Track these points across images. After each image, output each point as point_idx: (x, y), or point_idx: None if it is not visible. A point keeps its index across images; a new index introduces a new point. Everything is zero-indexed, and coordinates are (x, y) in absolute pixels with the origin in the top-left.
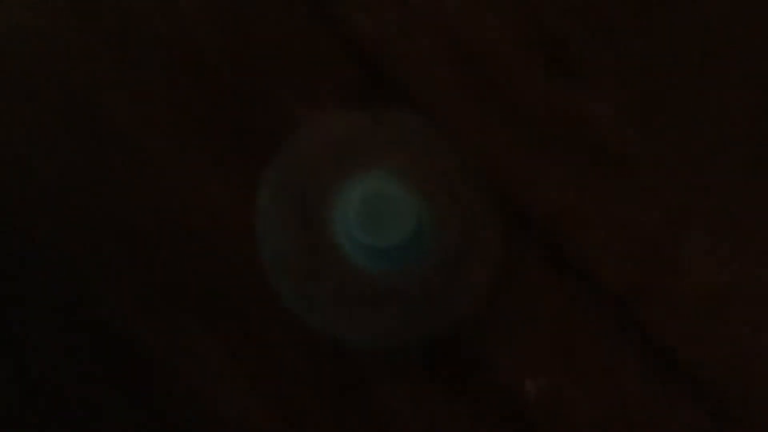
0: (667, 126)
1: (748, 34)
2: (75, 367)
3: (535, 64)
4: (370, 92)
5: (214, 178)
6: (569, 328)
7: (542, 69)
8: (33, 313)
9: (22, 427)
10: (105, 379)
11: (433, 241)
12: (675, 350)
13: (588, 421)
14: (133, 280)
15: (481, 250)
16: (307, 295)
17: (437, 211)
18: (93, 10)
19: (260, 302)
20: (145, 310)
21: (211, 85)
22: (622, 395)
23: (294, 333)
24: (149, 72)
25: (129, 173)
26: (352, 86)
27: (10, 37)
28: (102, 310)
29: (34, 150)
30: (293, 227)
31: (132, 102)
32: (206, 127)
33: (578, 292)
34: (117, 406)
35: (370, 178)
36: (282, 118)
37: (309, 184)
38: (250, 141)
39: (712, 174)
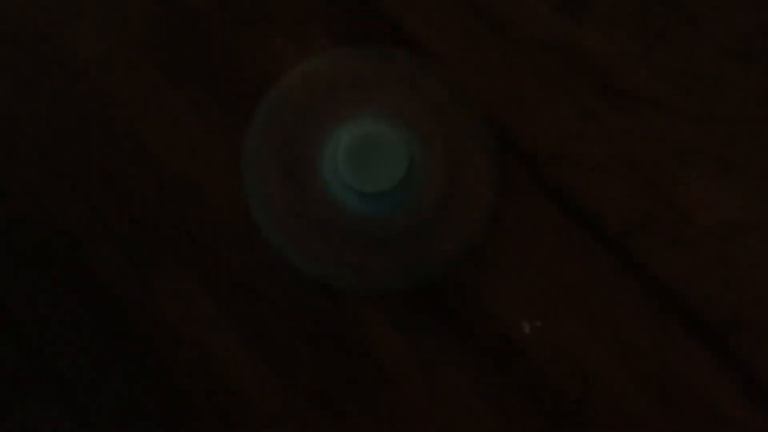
0: (673, 62)
1: None
2: (61, 320)
3: (539, 1)
4: (363, 30)
5: (197, 121)
6: (569, 267)
7: (546, 5)
8: (18, 269)
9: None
10: (91, 331)
11: (426, 182)
12: (676, 289)
13: (582, 356)
14: (118, 228)
15: (476, 188)
16: (295, 238)
17: (430, 153)
18: None
19: (248, 247)
20: (132, 261)
21: (195, 27)
22: (622, 333)
23: (281, 277)
24: (129, 16)
25: (110, 120)
26: (343, 24)
27: None
28: (87, 256)
29: (17, 101)
30: (281, 172)
31: (111, 46)
32: (190, 70)
33: (579, 230)
34: (103, 358)
35: (361, 120)
36: (270, 59)
37: (297, 127)
38: (235, 80)
39: (717, 111)
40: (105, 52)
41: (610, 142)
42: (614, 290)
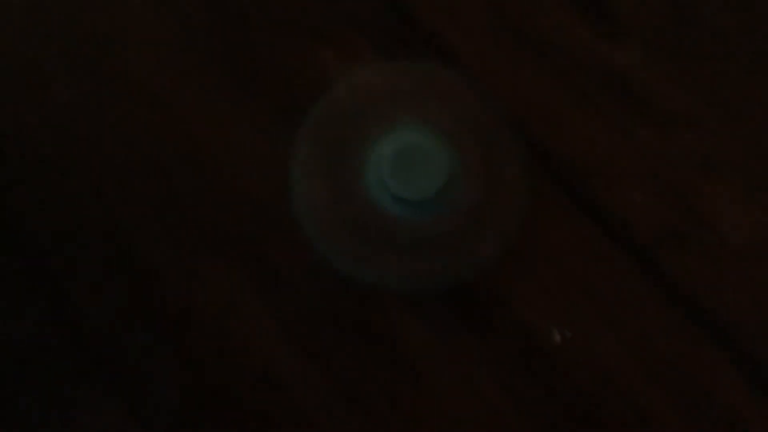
0: (702, 80)
1: None
2: (105, 301)
3: (571, 15)
4: (407, 45)
5: (244, 126)
6: (597, 276)
7: (578, 19)
8: (75, 255)
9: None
10: (133, 315)
11: (463, 191)
12: (701, 299)
13: (609, 364)
14: (168, 225)
15: (510, 198)
16: (337, 240)
17: (468, 162)
18: None
19: (290, 245)
20: (179, 254)
21: (243, 35)
22: (647, 342)
23: (322, 277)
24: (176, 23)
25: (160, 121)
26: (389, 39)
27: None
28: (130, 244)
29: (71, 99)
30: (327, 176)
31: (159, 49)
32: (236, 75)
33: (608, 241)
34: (147, 344)
35: (405, 130)
36: (314, 66)
37: (343, 135)
38: (281, 88)
39: (745, 128)
40: (161, 62)
41: (640, 156)
42: (641, 301)
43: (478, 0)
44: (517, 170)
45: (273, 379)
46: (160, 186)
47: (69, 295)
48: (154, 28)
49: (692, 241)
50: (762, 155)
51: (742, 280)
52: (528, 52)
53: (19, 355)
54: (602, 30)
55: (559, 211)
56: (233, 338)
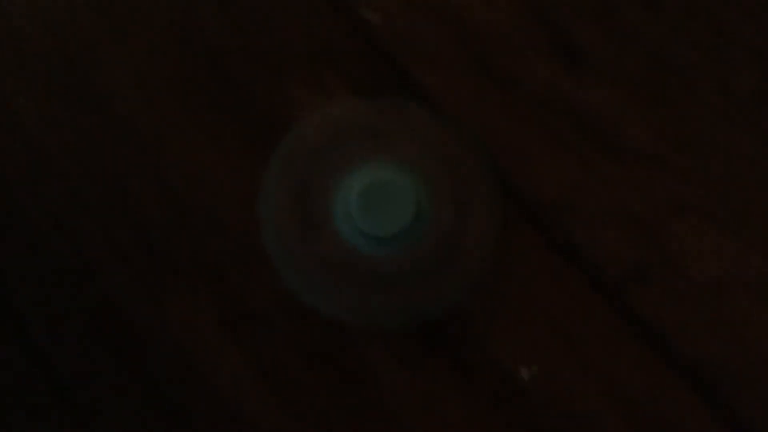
0: (668, 121)
1: (750, 32)
2: (69, 331)
3: (540, 53)
4: (379, 83)
5: (215, 158)
6: (567, 313)
7: (547, 58)
8: (39, 287)
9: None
10: (103, 350)
11: (433, 226)
12: (671, 337)
13: (579, 401)
14: (136, 258)
15: (480, 234)
16: (306, 275)
17: (437, 198)
18: (104, 0)
19: (258, 279)
20: (147, 287)
21: (217, 71)
22: (616, 378)
23: (293, 312)
24: (152, 56)
25: (133, 154)
26: (357, 73)
27: (19, 17)
28: (101, 281)
29: (42, 128)
30: (295, 211)
31: (132, 81)
32: (211, 110)
33: (577, 277)
34: (114, 376)
35: (372, 166)
36: (286, 102)
37: (312, 171)
38: (252, 122)
39: (711, 169)
40: (131, 89)
41: (608, 194)
42: (611, 337)
43: (449, 39)
44: (487, 207)
45: (238, 411)
46: (128, 216)
47: (33, 327)
48: (130, 61)
49: (660, 279)
50: (727, 194)
51: (709, 316)
52: (498, 91)
53: None
54: (571, 68)
55: (529, 248)
56: (198, 369)
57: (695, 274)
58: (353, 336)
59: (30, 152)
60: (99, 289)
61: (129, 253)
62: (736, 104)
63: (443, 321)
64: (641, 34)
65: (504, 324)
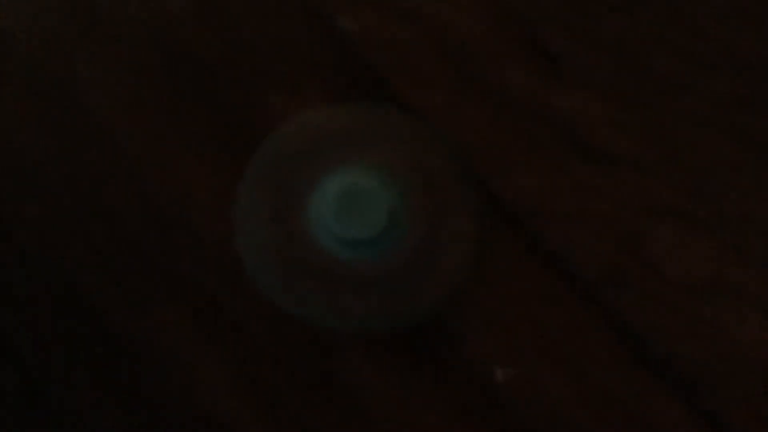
0: (643, 125)
1: (728, 34)
2: (51, 342)
3: (518, 62)
4: (357, 90)
5: (194, 167)
6: (544, 315)
7: (525, 66)
8: (20, 298)
9: (7, 406)
10: (84, 360)
11: (409, 230)
12: (647, 338)
13: (557, 403)
14: (114, 266)
15: (457, 238)
16: (282, 282)
17: (413, 203)
18: (83, 13)
19: (235, 288)
20: (125, 296)
21: (195, 80)
22: (594, 379)
23: (269, 319)
24: (131, 65)
25: (112, 164)
26: (334, 81)
27: (7, 42)
28: (83, 296)
29: (20, 142)
30: (271, 217)
31: (113, 92)
32: (189, 120)
33: (553, 281)
34: (95, 386)
35: (346, 171)
36: (265, 111)
37: (288, 176)
38: (232, 131)
39: (687, 171)
40: (112, 102)
41: (584, 198)
42: (587, 339)
43: (426, 47)
44: (464, 211)
45: (217, 418)
46: (109, 227)
47: (14, 337)
48: (109, 73)
49: (637, 281)
50: (704, 197)
51: (685, 318)
52: (475, 97)
53: None
54: (547, 75)
55: (507, 252)
56: (178, 377)
57: (672, 276)
58: (331, 341)
59: (9, 164)
60: (80, 298)
61: (110, 263)
62: (712, 107)
63: (421, 325)
64: (617, 40)
65: (482, 327)
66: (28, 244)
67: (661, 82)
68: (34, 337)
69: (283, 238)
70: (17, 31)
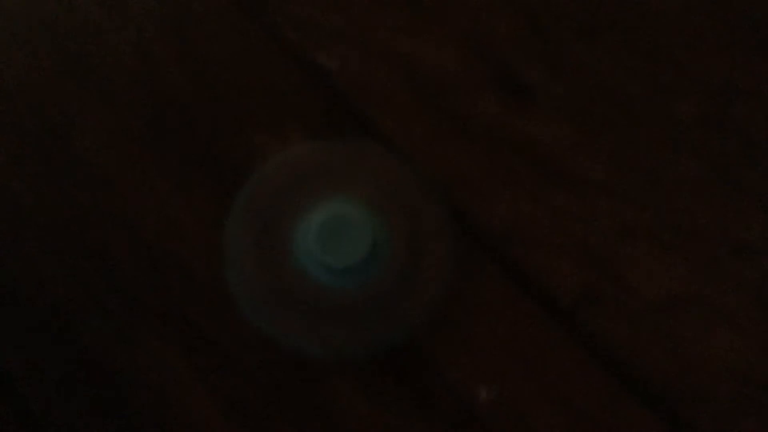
0: (613, 150)
1: (690, 58)
2: (53, 384)
3: (490, 93)
4: (332, 123)
5: (183, 206)
6: (522, 337)
7: (496, 95)
8: (13, 333)
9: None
10: (78, 396)
11: (390, 258)
12: (622, 358)
13: (537, 424)
14: (106, 301)
15: (436, 265)
16: (269, 311)
17: (394, 231)
18: (69, 51)
19: (224, 320)
20: (117, 332)
21: (181, 121)
22: (573, 400)
23: (258, 350)
24: (121, 109)
25: (102, 203)
26: (315, 118)
27: None
28: (77, 332)
29: (15, 185)
30: (258, 250)
31: (104, 135)
32: (176, 159)
33: (530, 303)
34: (90, 421)
35: (330, 203)
36: (249, 149)
37: (273, 211)
38: (218, 171)
39: (656, 194)
40: (101, 142)
41: (558, 222)
42: (564, 359)
43: (402, 81)
44: (442, 239)
45: None
46: (98, 262)
47: (10, 375)
48: (99, 116)
49: (611, 300)
50: (674, 217)
51: (660, 335)
52: (450, 128)
53: None
54: (519, 104)
55: (484, 277)
56: (170, 409)
57: (645, 295)
58: (316, 368)
59: (8, 208)
60: (72, 332)
61: (101, 299)
62: (679, 130)
63: (403, 350)
64: (584, 68)
65: (462, 351)
66: (23, 282)
67: (628, 107)
68: (31, 372)
69: (270, 270)
70: (13, 80)
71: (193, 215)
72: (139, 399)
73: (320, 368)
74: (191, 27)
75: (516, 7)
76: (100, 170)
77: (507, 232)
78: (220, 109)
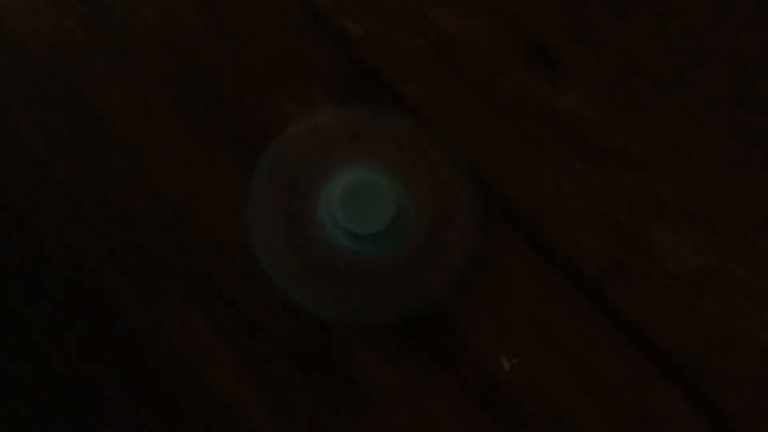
0: (643, 123)
1: (723, 32)
2: (69, 339)
3: (518, 64)
4: (358, 90)
5: (209, 171)
6: (546, 308)
7: (524, 65)
8: (40, 294)
9: (24, 397)
10: (102, 356)
11: (415, 226)
12: (644, 327)
13: (561, 394)
14: (132, 264)
15: (462, 234)
16: (292, 275)
17: (419, 199)
18: (96, 13)
19: (249, 283)
20: (142, 294)
21: (208, 85)
22: (596, 372)
23: (281, 313)
24: (147, 72)
25: (129, 166)
26: (341, 85)
27: (21, 38)
28: (102, 293)
29: (42, 143)
30: (281, 215)
31: (131, 100)
32: (202, 124)
33: (556, 274)
34: (112, 382)
35: (354, 169)
36: (275, 115)
37: (297, 175)
38: (244, 136)
39: (685, 169)
40: (128, 106)
41: (585, 195)
42: (589, 331)
43: (429, 51)
44: (468, 207)
45: (231, 411)
46: (126, 227)
47: (34, 333)
48: (125, 79)
49: (636, 273)
50: (703, 192)
51: (686, 309)
52: (477, 98)
53: None
54: (547, 75)
55: (510, 247)
56: (193, 371)
57: (671, 269)
58: (341, 335)
59: (31, 166)
60: (98, 296)
61: (127, 262)
62: (709, 106)
63: (428, 318)
64: (615, 41)
65: (487, 320)
66: (49, 243)
67: (658, 81)
68: (54, 333)
69: (293, 234)
70: (36, 41)
71: (218, 179)
72: (162, 360)
73: (344, 335)
74: None
75: None
76: (127, 134)
77: (534, 203)
78: (247, 75)
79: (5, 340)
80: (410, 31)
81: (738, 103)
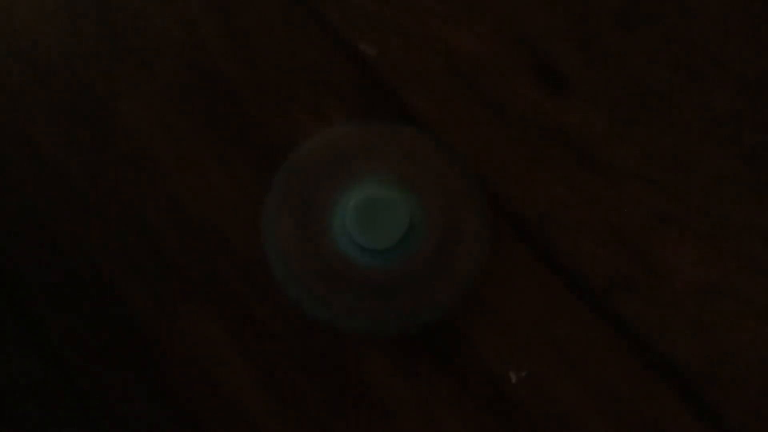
0: (648, 139)
1: (726, 50)
2: (86, 344)
3: (527, 81)
4: (371, 106)
5: (225, 180)
6: (553, 321)
7: (532, 82)
8: (60, 301)
9: (41, 399)
10: (119, 360)
11: (425, 238)
12: (650, 340)
13: (567, 404)
14: (150, 271)
15: (471, 245)
16: (306, 286)
17: (430, 213)
18: (115, 26)
19: (263, 293)
20: (158, 297)
21: (227, 99)
22: (601, 381)
23: (294, 321)
24: (166, 84)
25: (148, 176)
26: (355, 101)
27: (45, 50)
28: (118, 294)
29: (63, 152)
30: (296, 227)
31: (149, 109)
32: (219, 136)
33: (562, 287)
34: (128, 385)
35: (367, 184)
36: (290, 127)
37: (312, 188)
38: (259, 146)
39: (691, 184)
40: (148, 118)
41: (592, 209)
42: (595, 344)
43: (440, 68)
44: (477, 221)
45: (243, 415)
46: (144, 234)
47: (52, 337)
48: (144, 86)
49: (643, 287)
50: (707, 207)
51: (691, 322)
52: (486, 114)
53: (2, 396)
54: (555, 92)
55: (517, 260)
56: (207, 375)
57: (677, 283)
58: (351, 344)
59: (52, 175)
60: (116, 301)
61: (144, 268)
62: (713, 122)
63: (437, 329)
64: (621, 58)
65: (494, 331)
66: (70, 251)
67: (663, 98)
68: (74, 338)
69: (307, 245)
70: (58, 55)
71: (236, 190)
72: (176, 364)
73: (356, 344)
74: (236, 3)
75: None
76: (147, 146)
77: (541, 216)
78: (265, 90)
79: (26, 344)
80: (422, 50)
81: (742, 120)
